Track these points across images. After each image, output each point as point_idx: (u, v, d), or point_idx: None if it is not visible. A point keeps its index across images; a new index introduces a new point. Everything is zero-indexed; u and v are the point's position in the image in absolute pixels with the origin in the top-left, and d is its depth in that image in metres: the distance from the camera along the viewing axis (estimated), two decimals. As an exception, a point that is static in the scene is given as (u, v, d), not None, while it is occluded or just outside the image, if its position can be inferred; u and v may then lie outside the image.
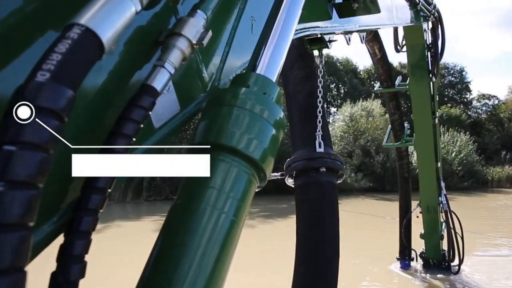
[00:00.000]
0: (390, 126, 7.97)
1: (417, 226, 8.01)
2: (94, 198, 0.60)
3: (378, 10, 1.99)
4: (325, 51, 2.19)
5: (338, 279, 1.98)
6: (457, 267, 7.80)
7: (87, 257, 0.59)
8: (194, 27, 0.76)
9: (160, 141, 0.80)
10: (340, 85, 44.46)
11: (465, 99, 45.66)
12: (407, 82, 6.92)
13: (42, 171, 0.44)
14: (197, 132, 0.78)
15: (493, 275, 8.02)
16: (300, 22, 1.09)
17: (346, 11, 1.86)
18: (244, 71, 1.01)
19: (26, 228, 0.42)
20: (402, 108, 8.54)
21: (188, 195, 0.71)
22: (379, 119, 31.35)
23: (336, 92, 44.57)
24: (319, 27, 1.76)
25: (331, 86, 43.44)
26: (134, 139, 0.64)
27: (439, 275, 7.74)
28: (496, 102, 44.83)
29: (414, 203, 8.00)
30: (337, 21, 1.88)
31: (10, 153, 0.42)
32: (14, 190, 0.41)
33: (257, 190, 0.82)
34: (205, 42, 0.76)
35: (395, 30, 6.14)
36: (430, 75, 6.57)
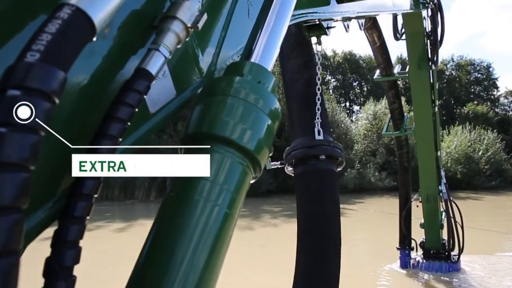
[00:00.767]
0: (389, 115, 7.96)
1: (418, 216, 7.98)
2: (88, 183, 0.59)
3: None
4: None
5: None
6: (456, 256, 7.84)
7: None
8: (189, 10, 0.74)
9: (156, 126, 0.79)
10: (363, 83, 44.33)
11: (492, 96, 45.41)
12: (407, 71, 6.89)
13: (34, 153, 0.43)
14: (190, 123, 0.76)
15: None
16: (297, 8, 1.07)
17: (344, -3, 1.84)
18: (239, 59, 0.99)
19: (18, 211, 0.42)
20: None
21: (182, 187, 0.69)
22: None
23: (359, 90, 44.47)
24: (316, 12, 1.74)
25: (354, 84, 43.21)
26: (129, 124, 0.64)
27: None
28: (525, 98, 44.32)
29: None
30: (335, 6, 1.86)
31: (1, 135, 0.41)
32: (6, 172, 0.41)
33: (252, 181, 0.80)
34: (200, 25, 0.75)
35: (394, 18, 6.10)
36: (430, 63, 6.54)
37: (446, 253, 7.89)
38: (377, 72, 7.15)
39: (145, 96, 0.68)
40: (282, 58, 2.17)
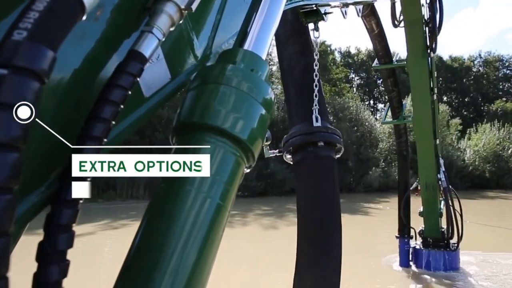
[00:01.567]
0: (388, 103, 7.95)
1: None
2: None
3: None
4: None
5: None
6: (456, 245, 7.88)
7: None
8: None
9: (151, 110, 0.78)
10: (388, 80, 43.92)
11: (521, 93, 44.77)
12: (405, 58, 6.86)
13: (23, 134, 0.42)
14: (181, 112, 0.74)
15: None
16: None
17: (341, -18, 1.82)
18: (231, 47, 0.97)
19: (9, 192, 0.41)
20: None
21: (173, 177, 0.66)
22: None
23: (383, 88, 43.97)
24: (314, -3, 1.72)
25: (378, 82, 42.77)
26: (122, 106, 0.63)
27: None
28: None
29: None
30: (333, -9, 1.84)
31: None
32: None
33: (245, 171, 0.78)
34: (193, 7, 0.73)
35: (393, 5, 6.05)
36: (429, 51, 6.50)
37: (445, 242, 7.94)
38: (376, 60, 7.12)
39: (139, 80, 0.67)
40: (279, 45, 2.16)
